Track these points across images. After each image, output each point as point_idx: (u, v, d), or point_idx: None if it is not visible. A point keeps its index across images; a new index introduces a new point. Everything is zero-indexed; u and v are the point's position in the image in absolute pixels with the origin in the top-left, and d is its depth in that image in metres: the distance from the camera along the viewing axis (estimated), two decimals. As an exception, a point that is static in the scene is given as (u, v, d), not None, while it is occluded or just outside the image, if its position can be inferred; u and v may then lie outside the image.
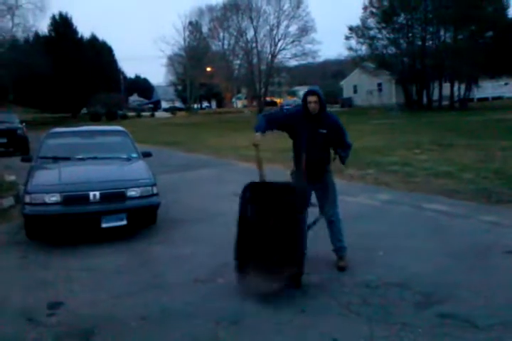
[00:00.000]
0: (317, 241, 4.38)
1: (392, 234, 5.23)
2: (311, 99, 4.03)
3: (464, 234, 5.09)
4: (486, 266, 4.15)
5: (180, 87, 62.77)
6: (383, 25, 36.41)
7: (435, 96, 35.43)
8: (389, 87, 42.70)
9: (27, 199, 5.12)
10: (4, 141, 15.34)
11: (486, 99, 41.34)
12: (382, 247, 4.77)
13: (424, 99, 35.73)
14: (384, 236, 5.18)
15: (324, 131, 4.11)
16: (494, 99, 41.36)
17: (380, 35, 37.15)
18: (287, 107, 39.08)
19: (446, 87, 35.10)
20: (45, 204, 5.09)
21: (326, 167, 4.26)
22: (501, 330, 3.02)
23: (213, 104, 75.29)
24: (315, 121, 4.13)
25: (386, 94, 44.13)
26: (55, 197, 5.11)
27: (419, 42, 35.59)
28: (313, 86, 4.55)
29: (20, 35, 34.62)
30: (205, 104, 74.08)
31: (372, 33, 37.12)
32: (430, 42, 35.71)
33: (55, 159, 6.17)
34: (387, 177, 8.59)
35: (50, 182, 5.44)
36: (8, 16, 31.37)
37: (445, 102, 34.57)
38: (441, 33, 35.24)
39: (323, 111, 4.14)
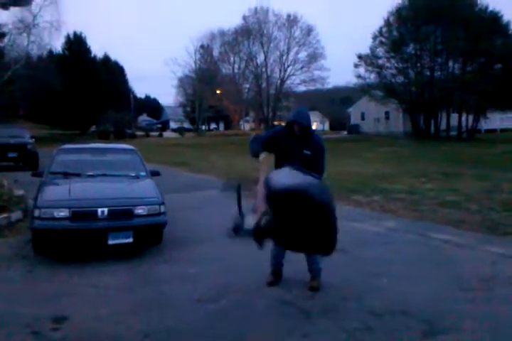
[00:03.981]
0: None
1: (396, 262, 5.21)
2: (296, 127, 4.12)
3: (470, 265, 5.07)
4: (490, 297, 4.13)
5: (189, 108, 63.42)
6: (392, 54, 36.88)
7: (443, 126, 35.56)
8: (396, 115, 42.94)
9: (36, 213, 5.18)
10: (15, 155, 15.50)
11: (494, 130, 41.43)
12: (387, 274, 4.77)
13: (432, 129, 35.87)
14: (389, 263, 5.17)
15: (309, 153, 4.11)
16: (502, 130, 41.45)
17: (388, 64, 37.61)
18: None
19: (454, 118, 35.26)
20: (53, 219, 5.14)
21: None
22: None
23: (221, 125, 75.85)
24: (301, 141, 4.14)
25: (393, 122, 44.35)
26: (63, 213, 5.16)
27: (428, 73, 35.96)
28: (301, 108, 4.50)
29: (34, 52, 35.25)
30: (212, 125, 74.65)
31: (381, 61, 37.61)
32: (439, 72, 36.06)
33: (66, 175, 6.25)
34: (393, 205, 8.59)
35: (59, 197, 5.50)
36: (25, 34, 32.05)
37: (453, 132, 34.67)
38: (450, 64, 35.64)
39: (310, 133, 4.18)
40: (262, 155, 4.11)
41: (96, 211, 5.24)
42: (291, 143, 4.15)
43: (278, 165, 4.20)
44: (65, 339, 3.30)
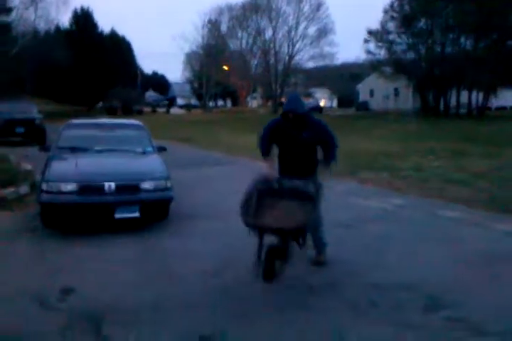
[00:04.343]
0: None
1: (402, 238, 5.22)
2: (290, 115, 4.09)
3: (476, 242, 5.06)
4: (496, 274, 4.12)
5: (196, 85, 62.93)
6: (403, 29, 36.20)
7: (452, 103, 35.12)
8: (406, 92, 42.45)
9: (44, 187, 5.22)
10: (22, 130, 15.54)
11: (504, 108, 40.90)
12: (393, 250, 4.78)
13: (441, 106, 35.45)
14: (395, 239, 5.17)
15: (308, 136, 4.11)
16: (513, 108, 40.97)
17: (399, 40, 36.96)
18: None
19: (464, 95, 34.78)
20: (61, 192, 5.18)
21: (315, 169, 4.23)
22: (510, 337, 3.02)
23: (228, 102, 75.40)
24: (298, 127, 4.13)
25: (403, 100, 43.89)
26: (71, 186, 5.19)
27: (439, 49, 35.32)
28: (293, 95, 4.54)
29: (41, 27, 35.03)
30: (220, 102, 74.21)
31: (391, 37, 36.96)
32: (450, 48, 35.39)
33: (73, 150, 6.26)
34: (401, 182, 8.56)
35: (67, 171, 5.54)
36: (32, 9, 31.73)
37: (462, 110, 34.26)
38: (462, 40, 34.93)
39: (306, 117, 4.14)
40: (265, 161, 4.29)
41: (103, 185, 5.27)
42: (289, 131, 4.17)
43: (281, 154, 4.27)
44: (72, 310, 3.35)
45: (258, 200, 3.70)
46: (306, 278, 4.03)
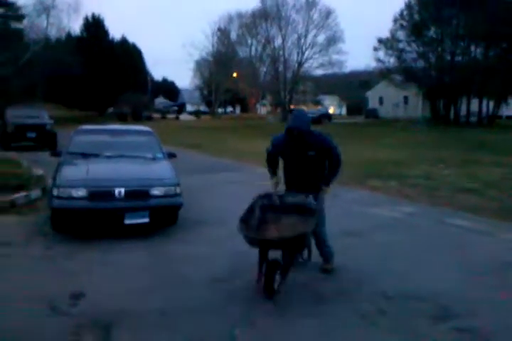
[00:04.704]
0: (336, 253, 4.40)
1: (412, 247, 5.20)
2: (295, 132, 4.10)
3: (486, 251, 5.03)
4: (506, 285, 4.10)
5: (205, 91, 63.27)
6: (413, 38, 36.26)
7: (463, 111, 34.99)
8: (415, 100, 42.38)
9: (55, 192, 5.26)
10: (33, 135, 15.69)
11: (515, 116, 40.62)
12: (402, 259, 4.76)
13: (452, 114, 35.33)
14: (404, 248, 5.16)
15: (313, 154, 4.13)
16: (523, 117, 40.64)
17: (409, 48, 37.02)
18: (311, 115, 39.07)
19: (475, 103, 34.65)
20: (71, 198, 5.23)
21: (320, 185, 4.25)
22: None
23: (237, 109, 75.66)
24: (303, 144, 4.13)
25: (412, 108, 43.80)
26: (81, 192, 5.24)
27: (449, 57, 35.27)
28: (297, 111, 4.53)
29: (53, 34, 35.46)
30: (229, 108, 74.48)
31: (401, 45, 37.03)
32: (460, 57, 35.35)
33: (84, 155, 6.32)
34: (410, 190, 8.54)
35: (77, 177, 5.58)
36: (44, 16, 32.14)
37: (473, 118, 34.11)
38: (472, 48, 34.88)
39: (311, 135, 4.14)
40: (271, 179, 4.45)
41: (113, 191, 5.31)
42: (294, 148, 4.19)
43: (287, 170, 4.35)
44: (82, 315, 3.37)
45: (261, 215, 3.75)
46: (315, 285, 4.03)
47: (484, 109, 34.80)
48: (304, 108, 58.99)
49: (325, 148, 4.18)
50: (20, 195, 6.92)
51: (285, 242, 3.68)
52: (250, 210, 3.85)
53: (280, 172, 4.49)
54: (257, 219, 3.75)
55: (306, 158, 4.15)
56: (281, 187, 4.39)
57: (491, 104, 34.85)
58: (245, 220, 3.79)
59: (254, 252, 3.91)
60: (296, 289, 3.92)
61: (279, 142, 4.34)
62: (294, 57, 46.49)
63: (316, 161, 4.19)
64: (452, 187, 8.68)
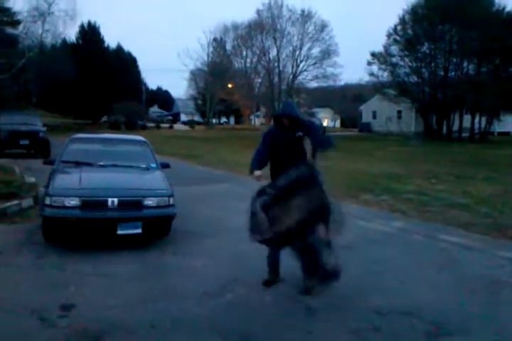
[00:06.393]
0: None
1: (403, 262, 5.20)
2: (285, 120, 4.23)
3: (477, 267, 5.04)
4: (498, 301, 4.10)
5: (200, 101, 63.39)
6: (406, 53, 36.66)
7: (455, 127, 35.31)
8: (409, 114, 42.68)
9: (47, 201, 5.22)
10: (26, 142, 15.59)
11: (507, 133, 40.96)
12: (394, 275, 4.76)
13: (444, 130, 35.62)
14: (395, 263, 5.16)
15: (301, 134, 4.17)
16: (515, 133, 41.02)
17: (402, 63, 37.39)
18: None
19: (467, 119, 34.98)
20: (64, 207, 5.18)
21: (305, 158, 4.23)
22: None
23: (231, 120, 75.83)
24: (293, 130, 4.21)
25: (405, 122, 44.07)
26: (74, 201, 5.20)
27: (442, 73, 35.68)
28: (287, 100, 4.75)
29: (48, 41, 35.37)
30: (223, 119, 74.65)
31: (394, 60, 37.40)
32: (453, 73, 35.78)
33: (77, 164, 6.29)
34: (402, 205, 8.56)
35: (70, 186, 5.53)
36: (39, 22, 32.13)
37: (465, 134, 34.40)
38: (465, 64, 35.32)
39: (300, 121, 4.24)
40: (257, 172, 4.32)
41: (106, 201, 5.27)
42: (284, 135, 4.26)
43: (274, 161, 4.33)
44: (71, 327, 3.33)
45: (265, 214, 3.64)
46: (306, 300, 4.00)
47: (476, 125, 35.14)
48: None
49: (312, 128, 4.23)
50: (11, 204, 6.86)
51: (308, 220, 3.51)
52: (253, 215, 3.73)
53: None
54: (265, 220, 3.63)
55: (293, 140, 4.17)
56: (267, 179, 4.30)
57: (484, 120, 35.19)
58: (254, 227, 3.67)
59: (247, 265, 3.90)
60: (288, 303, 3.91)
61: (271, 133, 4.40)
62: (289, 69, 46.87)
63: (303, 140, 4.16)
64: (444, 203, 8.71)
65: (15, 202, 6.97)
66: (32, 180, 8.82)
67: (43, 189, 6.27)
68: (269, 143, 4.36)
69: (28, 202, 7.22)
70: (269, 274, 4.44)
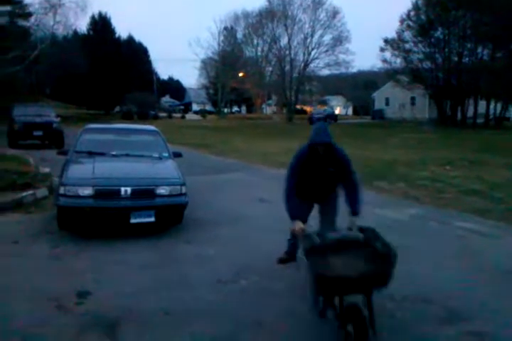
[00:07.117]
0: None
1: (418, 249, 5.15)
2: (320, 148, 3.89)
3: (492, 254, 4.99)
4: (513, 287, 4.07)
5: (211, 91, 63.30)
6: (419, 38, 36.15)
7: (470, 113, 34.83)
8: (422, 101, 42.23)
9: (61, 190, 5.27)
10: (40, 133, 15.73)
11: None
12: (408, 261, 4.70)
13: (458, 116, 35.17)
14: (411, 250, 5.10)
15: (332, 170, 4.00)
16: (531, 118, 40.34)
17: (415, 49, 36.92)
18: (317, 116, 38.94)
19: (482, 105, 34.48)
20: (78, 196, 5.23)
21: (334, 193, 4.23)
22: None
23: (243, 109, 75.67)
24: (325, 159, 3.97)
25: (419, 109, 43.64)
26: (88, 191, 5.24)
27: (456, 58, 35.13)
28: (319, 125, 4.11)
29: (60, 32, 35.45)
30: (235, 108, 74.51)
31: (407, 46, 36.93)
32: (467, 58, 35.19)
33: (90, 154, 6.33)
34: (417, 192, 8.49)
35: (84, 175, 5.59)
36: (51, 14, 32.16)
37: (480, 120, 33.93)
38: (479, 50, 34.71)
39: (334, 149, 3.97)
40: (300, 225, 3.67)
41: (119, 190, 5.31)
42: (316, 163, 4.00)
43: (303, 181, 4.05)
44: (88, 314, 3.38)
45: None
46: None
47: (492, 110, 34.62)
48: (309, 108, 59.06)
49: (345, 163, 4.01)
50: (27, 193, 6.94)
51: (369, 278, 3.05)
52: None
53: (311, 220, 4.21)
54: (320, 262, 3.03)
55: (325, 174, 4.05)
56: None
57: (499, 105, 34.66)
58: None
59: (260, 253, 3.90)
60: (301, 290, 3.90)
61: (303, 159, 4.03)
62: (300, 57, 46.59)
63: (334, 177, 4.06)
64: (459, 189, 8.63)
65: (30, 192, 7.04)
66: (46, 170, 8.90)
67: (57, 179, 6.32)
68: (300, 173, 4.04)
69: (42, 192, 7.29)
70: (286, 254, 4.47)
